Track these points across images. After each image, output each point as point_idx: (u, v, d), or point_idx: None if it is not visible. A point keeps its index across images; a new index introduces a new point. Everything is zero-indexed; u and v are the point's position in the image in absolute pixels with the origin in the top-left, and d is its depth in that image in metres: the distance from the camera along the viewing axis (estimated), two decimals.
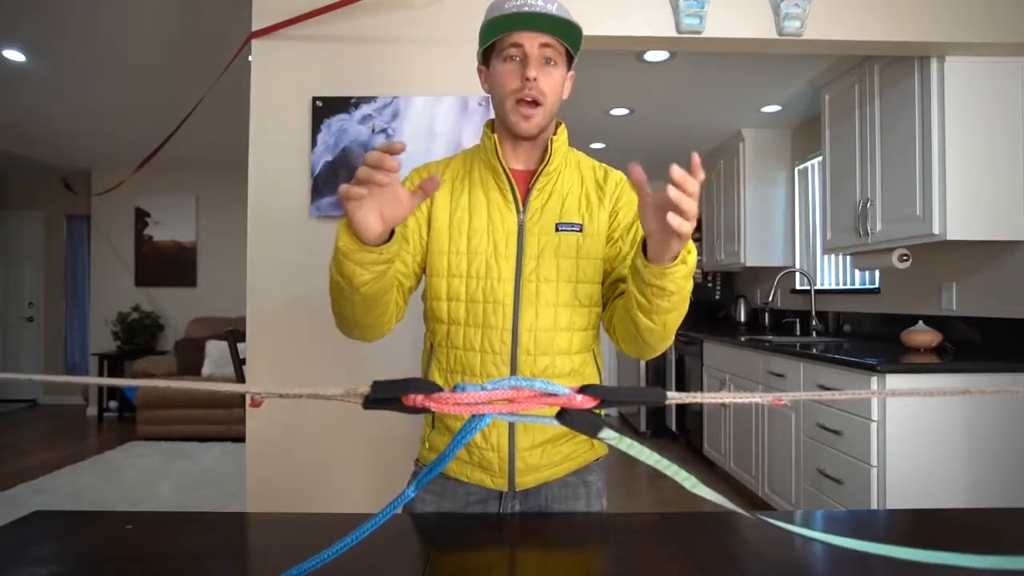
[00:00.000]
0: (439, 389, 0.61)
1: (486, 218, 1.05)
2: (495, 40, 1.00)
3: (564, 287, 1.04)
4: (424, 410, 0.61)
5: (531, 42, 0.97)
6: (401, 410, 0.62)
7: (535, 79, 0.97)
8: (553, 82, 1.00)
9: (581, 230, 1.05)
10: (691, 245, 0.87)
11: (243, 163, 2.11)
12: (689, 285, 0.91)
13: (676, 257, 0.86)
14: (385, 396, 0.61)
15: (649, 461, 0.60)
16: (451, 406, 0.59)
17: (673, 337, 1.00)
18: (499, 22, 0.98)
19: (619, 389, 0.62)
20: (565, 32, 0.99)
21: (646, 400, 0.61)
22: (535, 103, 1.00)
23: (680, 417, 4.73)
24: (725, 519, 0.99)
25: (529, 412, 0.64)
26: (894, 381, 2.21)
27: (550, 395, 0.60)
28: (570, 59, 1.05)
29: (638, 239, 1.03)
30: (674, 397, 0.57)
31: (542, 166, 1.05)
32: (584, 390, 0.60)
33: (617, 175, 1.11)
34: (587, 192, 1.08)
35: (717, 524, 0.94)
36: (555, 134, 1.07)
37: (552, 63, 1.00)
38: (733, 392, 0.58)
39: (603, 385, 0.61)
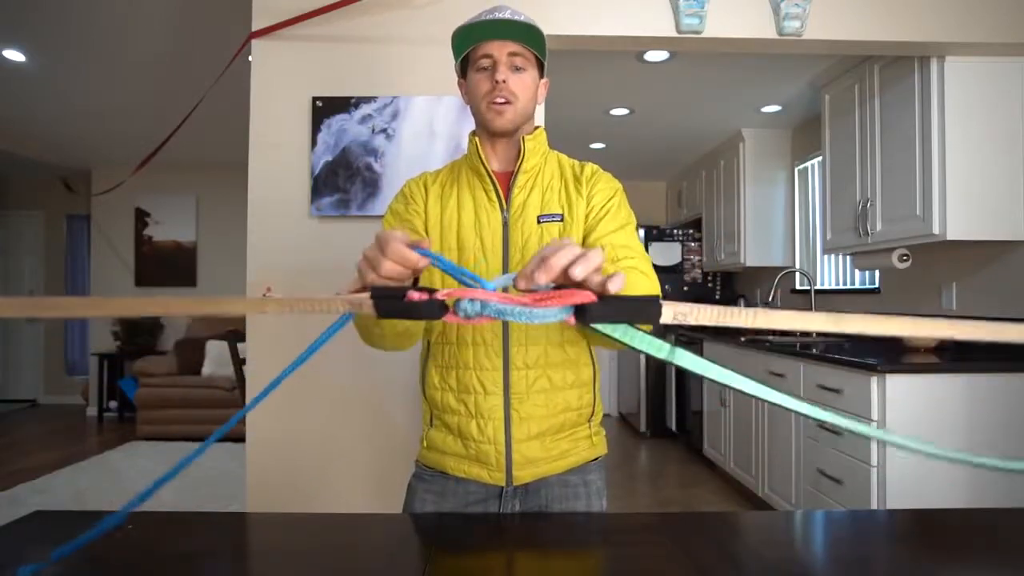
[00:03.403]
0: (444, 308, 0.59)
1: (473, 215, 1.10)
2: (469, 52, 1.07)
3: None
4: (435, 305, 0.59)
5: (500, 51, 1.04)
6: (411, 316, 0.60)
7: (504, 82, 1.04)
8: (523, 84, 1.06)
9: (562, 220, 1.09)
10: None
11: (243, 163, 2.11)
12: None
13: None
14: (393, 313, 0.59)
15: (641, 346, 0.57)
16: (457, 320, 0.59)
17: None
18: (467, 31, 1.04)
19: (615, 306, 0.58)
20: (530, 38, 1.04)
21: (643, 315, 0.57)
22: (506, 102, 1.05)
23: (680, 417, 4.73)
24: (725, 519, 0.99)
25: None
26: (894, 381, 2.21)
27: (548, 319, 0.58)
28: (541, 67, 1.10)
29: (609, 219, 1.07)
30: (667, 316, 0.54)
31: (518, 164, 1.10)
32: (579, 314, 0.58)
33: (592, 166, 1.15)
34: (566, 185, 1.12)
35: (717, 524, 0.94)
36: (531, 135, 1.11)
37: (522, 69, 1.06)
38: (727, 308, 0.54)
39: (598, 304, 0.58)
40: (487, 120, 1.07)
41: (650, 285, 0.98)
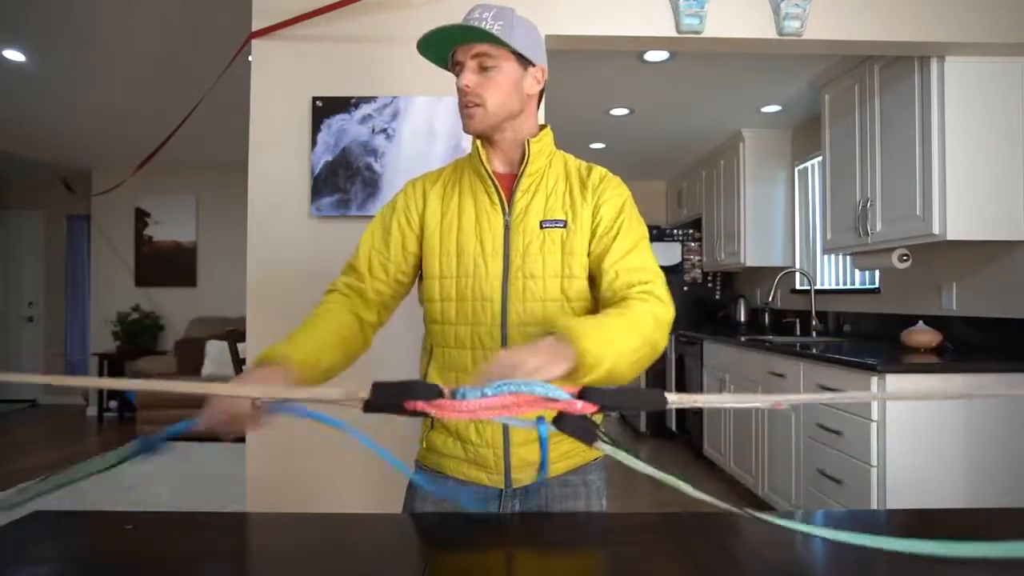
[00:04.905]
0: (439, 394, 0.61)
1: (474, 219, 1.08)
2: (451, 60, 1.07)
3: (551, 282, 1.05)
4: (424, 414, 0.61)
5: (464, 55, 1.03)
6: (402, 413, 0.62)
7: (467, 86, 1.03)
8: (493, 83, 1.03)
9: (565, 226, 1.06)
10: (592, 356, 0.78)
11: (243, 163, 2.11)
12: (621, 366, 0.83)
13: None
14: (386, 402, 0.61)
15: (645, 471, 0.61)
16: (452, 412, 0.60)
17: (648, 357, 0.93)
18: (421, 42, 1.05)
19: (619, 392, 0.62)
20: (490, 37, 1.01)
21: (646, 404, 0.61)
22: (475, 106, 1.04)
23: (680, 418, 4.73)
24: (725, 519, 0.99)
25: (526, 417, 0.63)
26: (894, 381, 2.20)
27: (550, 399, 0.60)
28: (525, 57, 1.05)
29: (622, 238, 1.04)
30: (674, 400, 0.57)
31: (522, 167, 1.08)
32: (584, 395, 0.60)
33: (600, 171, 1.12)
34: (571, 189, 1.09)
35: (717, 524, 0.94)
36: (537, 137, 1.09)
37: (491, 68, 1.03)
38: (733, 394, 0.58)
39: (602, 388, 0.61)
40: (463, 125, 1.07)
41: (663, 310, 0.96)
